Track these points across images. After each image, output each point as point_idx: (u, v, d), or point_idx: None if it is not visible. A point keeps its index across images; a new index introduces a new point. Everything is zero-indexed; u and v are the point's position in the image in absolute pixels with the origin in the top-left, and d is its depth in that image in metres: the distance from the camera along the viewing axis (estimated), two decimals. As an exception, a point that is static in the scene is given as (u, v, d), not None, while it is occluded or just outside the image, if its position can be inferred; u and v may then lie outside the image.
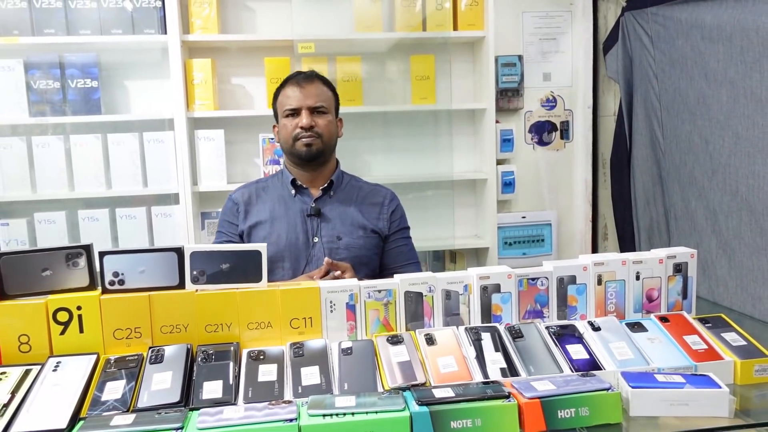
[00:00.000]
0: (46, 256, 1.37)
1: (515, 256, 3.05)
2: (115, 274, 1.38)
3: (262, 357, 1.36)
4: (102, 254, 1.38)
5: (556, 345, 1.43)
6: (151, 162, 2.59)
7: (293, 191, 1.99)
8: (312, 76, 1.98)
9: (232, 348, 1.37)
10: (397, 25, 2.71)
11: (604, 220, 3.17)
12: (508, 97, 2.99)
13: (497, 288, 1.52)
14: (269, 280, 1.87)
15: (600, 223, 3.19)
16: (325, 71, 2.67)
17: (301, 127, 1.91)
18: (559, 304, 1.56)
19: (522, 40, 3.03)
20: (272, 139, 2.67)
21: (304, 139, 1.91)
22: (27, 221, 2.54)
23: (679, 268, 1.59)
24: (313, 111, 1.93)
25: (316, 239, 1.94)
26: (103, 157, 2.55)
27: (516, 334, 1.45)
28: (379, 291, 1.47)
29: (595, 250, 3.19)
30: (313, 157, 1.94)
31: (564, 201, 3.15)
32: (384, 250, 2.04)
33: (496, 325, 1.49)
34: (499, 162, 2.97)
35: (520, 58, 2.99)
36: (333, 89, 2.03)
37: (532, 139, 3.11)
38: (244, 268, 1.42)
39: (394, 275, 1.52)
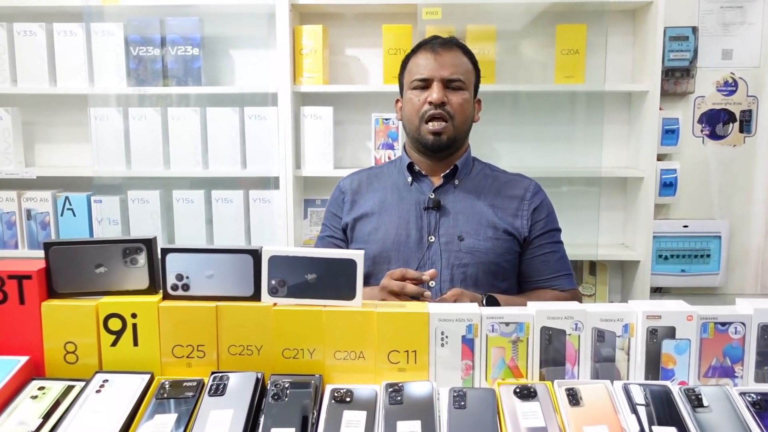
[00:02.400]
0: (102, 249, 1.17)
1: (671, 272, 2.59)
2: (179, 277, 1.16)
3: (348, 399, 1.08)
4: (165, 251, 1.16)
5: (756, 423, 1.04)
6: (252, 141, 2.42)
7: (410, 178, 1.70)
8: (451, 43, 1.67)
9: (312, 382, 1.10)
10: (543, -14, 2.34)
11: (791, 235, 2.62)
12: (675, 78, 2.52)
13: (671, 332, 1.16)
14: (369, 284, 1.61)
15: (785, 239, 2.64)
16: (453, 42, 2.36)
17: (430, 102, 1.61)
18: (760, 361, 1.16)
19: (698, 8, 2.54)
20: (387, 119, 2.40)
21: (432, 124, 1.61)
22: (120, 199, 2.47)
23: None
24: (448, 85, 1.62)
25: (432, 238, 1.64)
26: (200, 133, 2.42)
27: (697, 400, 1.08)
28: (507, 324, 1.15)
29: (776, 272, 2.65)
30: (441, 147, 1.64)
31: (739, 209, 2.64)
32: (524, 258, 1.69)
33: (668, 384, 1.12)
34: (659, 157, 2.52)
35: (693, 30, 2.50)
36: (475, 63, 1.72)
37: (702, 131, 2.61)
38: (334, 281, 1.15)
39: (528, 303, 1.19)
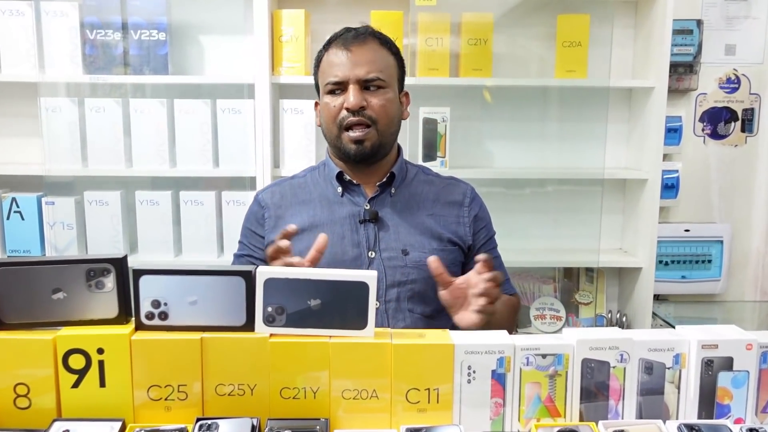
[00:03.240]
0: (60, 271, 0.99)
1: (671, 279, 2.50)
2: (155, 304, 0.99)
3: (363, 449, 0.93)
4: (138, 273, 0.99)
5: (832, 469, 0.92)
6: (225, 136, 2.22)
7: (340, 189, 1.53)
8: (365, 34, 1.48)
9: (318, 428, 0.95)
10: (544, -27, 2.21)
11: (793, 240, 2.56)
12: (678, 74, 2.42)
13: (728, 363, 1.04)
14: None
15: (786, 243, 2.58)
16: (447, 31, 2.21)
17: (347, 109, 1.43)
18: (825, 394, 1.05)
19: (701, 0, 2.44)
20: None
21: (352, 133, 1.43)
22: (75, 200, 2.25)
23: None
24: (366, 85, 1.44)
25: (372, 254, 1.48)
26: (167, 127, 2.22)
27: (763, 443, 0.96)
28: (544, 356, 1.01)
29: (776, 278, 2.59)
30: (365, 156, 1.46)
31: (740, 212, 2.57)
32: (467, 268, 1.54)
33: (726, 423, 1.00)
34: (659, 158, 2.42)
35: (698, 23, 2.41)
36: (397, 52, 1.53)
37: (703, 130, 2.53)
38: (342, 307, 1.00)
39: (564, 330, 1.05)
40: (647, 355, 1.03)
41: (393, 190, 1.53)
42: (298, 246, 1.48)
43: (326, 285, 1.00)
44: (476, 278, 1.26)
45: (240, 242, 1.61)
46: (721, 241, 2.51)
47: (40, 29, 2.15)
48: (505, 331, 1.06)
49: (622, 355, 1.02)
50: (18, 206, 2.21)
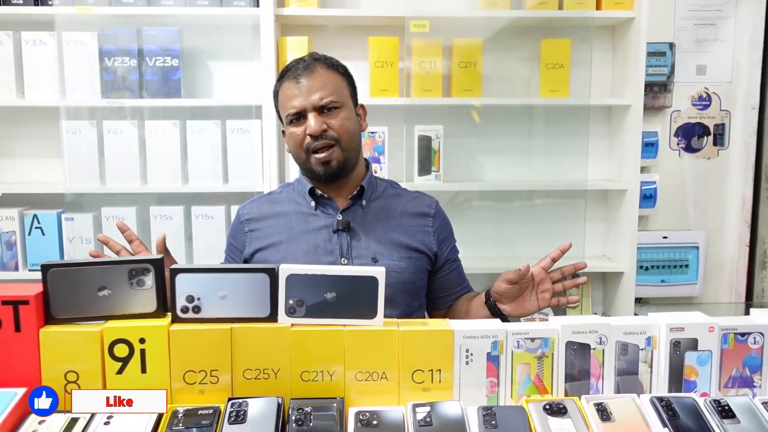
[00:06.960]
0: (105, 271, 1.10)
1: (652, 283, 2.63)
2: (190, 299, 1.10)
3: (375, 422, 1.05)
4: (174, 272, 1.10)
5: (786, 434, 1.04)
6: (234, 155, 2.34)
7: (313, 203, 1.63)
8: (312, 64, 1.57)
9: (335, 405, 1.06)
10: (528, 1, 2.35)
11: (765, 245, 2.70)
12: (653, 93, 2.57)
13: (693, 344, 1.17)
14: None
15: (758, 248, 2.72)
16: (440, 55, 2.35)
17: (311, 135, 1.53)
18: (779, 371, 1.17)
19: (673, 25, 2.61)
20: (373, 133, 2.37)
21: (318, 155, 1.54)
22: (94, 216, 2.35)
23: None
24: (322, 110, 1.53)
25: (345, 261, 1.57)
26: (180, 146, 2.33)
27: (725, 411, 1.08)
28: (533, 339, 1.13)
29: (750, 281, 2.72)
30: (334, 174, 1.56)
31: (714, 220, 2.71)
32: (438, 275, 1.69)
33: (693, 396, 1.12)
34: (638, 170, 2.57)
35: (671, 46, 2.56)
36: (344, 72, 1.62)
37: (678, 144, 2.68)
38: (355, 300, 1.12)
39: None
40: (623, 338, 1.15)
41: (364, 203, 1.62)
42: (274, 257, 1.59)
43: (341, 280, 1.11)
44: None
45: (225, 254, 1.72)
46: (697, 247, 2.64)
47: (61, 57, 2.27)
48: (497, 319, 1.18)
49: (601, 338, 1.15)
50: (39, 222, 2.32)
